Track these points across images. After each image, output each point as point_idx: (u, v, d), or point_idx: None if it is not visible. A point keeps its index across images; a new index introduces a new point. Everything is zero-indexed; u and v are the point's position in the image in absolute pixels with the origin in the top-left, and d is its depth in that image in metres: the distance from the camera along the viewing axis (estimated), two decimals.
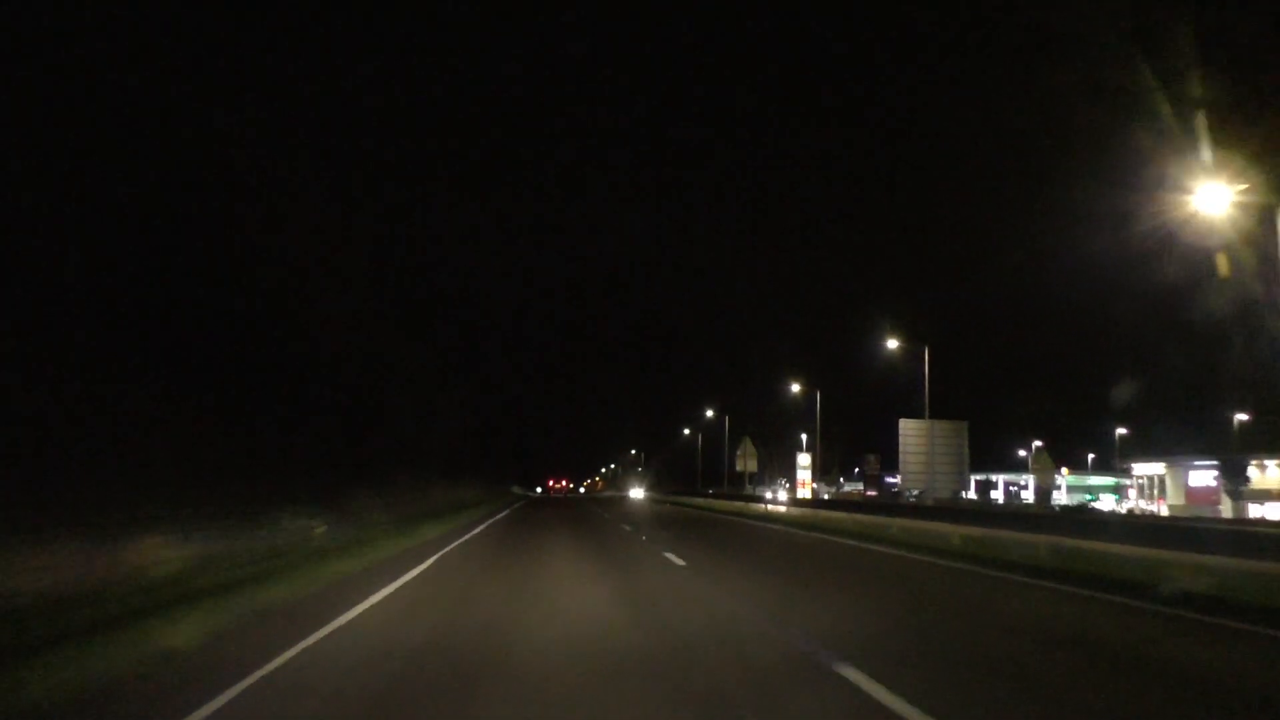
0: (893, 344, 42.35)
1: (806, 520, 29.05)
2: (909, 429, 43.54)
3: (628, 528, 25.97)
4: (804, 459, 63.24)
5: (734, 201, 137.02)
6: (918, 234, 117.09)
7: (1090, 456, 79.16)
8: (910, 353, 42.32)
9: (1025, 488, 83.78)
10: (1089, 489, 79.89)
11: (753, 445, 39.42)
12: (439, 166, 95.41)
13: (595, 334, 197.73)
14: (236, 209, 24.44)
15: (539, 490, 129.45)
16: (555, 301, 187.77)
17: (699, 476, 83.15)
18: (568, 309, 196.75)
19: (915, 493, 50.04)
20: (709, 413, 74.90)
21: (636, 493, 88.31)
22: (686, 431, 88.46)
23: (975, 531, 19.45)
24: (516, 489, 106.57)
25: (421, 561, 14.80)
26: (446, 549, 17.70)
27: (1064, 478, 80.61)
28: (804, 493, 57.98)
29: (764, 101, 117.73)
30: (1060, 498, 78.55)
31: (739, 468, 38.53)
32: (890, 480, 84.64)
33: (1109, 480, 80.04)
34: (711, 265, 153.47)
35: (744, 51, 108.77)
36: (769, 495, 57.21)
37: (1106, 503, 71.73)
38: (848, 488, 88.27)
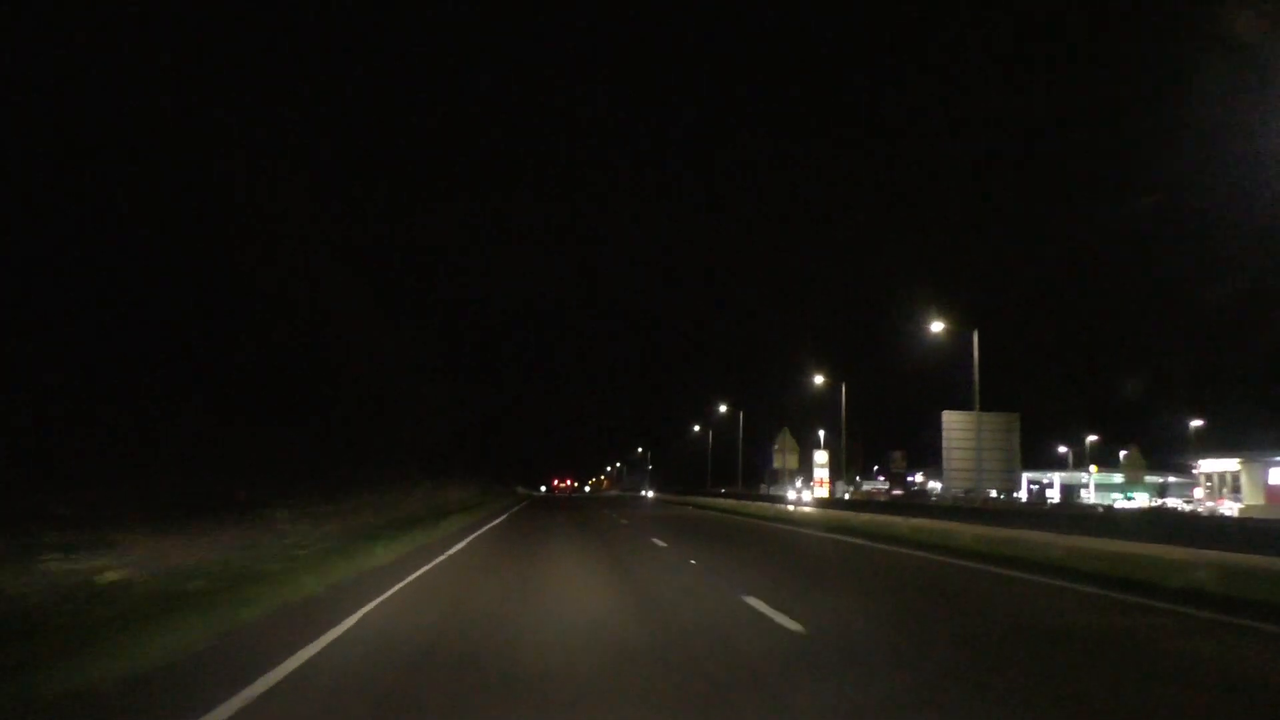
0: (937, 327, 35.80)
1: (880, 529, 21.54)
2: (953, 422, 37.04)
3: (661, 543, 18.55)
4: (821, 456, 56.40)
5: (742, 193, 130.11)
6: (936, 221, 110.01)
7: (1122, 453, 71.85)
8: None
9: (1050, 485, 76.90)
10: (1117, 487, 73.99)
11: (793, 439, 32.11)
12: (444, 165, 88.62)
13: (600, 332, 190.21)
14: (205, 173, 18.91)
15: (543, 490, 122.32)
16: (560, 300, 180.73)
17: (710, 475, 76.18)
18: (572, 307, 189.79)
19: (961, 490, 43.31)
20: (722, 408, 67.85)
21: (648, 492, 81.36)
22: (697, 429, 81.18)
23: (1210, 554, 12.13)
24: (520, 489, 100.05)
25: (307, 644, 7.41)
26: (385, 595, 10.32)
27: (1091, 475, 74.11)
28: (821, 492, 51.64)
29: (777, 84, 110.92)
30: (1089, 497, 71.87)
31: (777, 464, 31.40)
32: (911, 479, 77.72)
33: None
34: (720, 259, 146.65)
35: (757, 30, 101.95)
36: (792, 495, 50.35)
37: (1140, 502, 65.04)
38: (866, 486, 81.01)
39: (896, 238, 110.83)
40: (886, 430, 73.80)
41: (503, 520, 28.80)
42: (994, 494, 49.46)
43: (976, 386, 34.93)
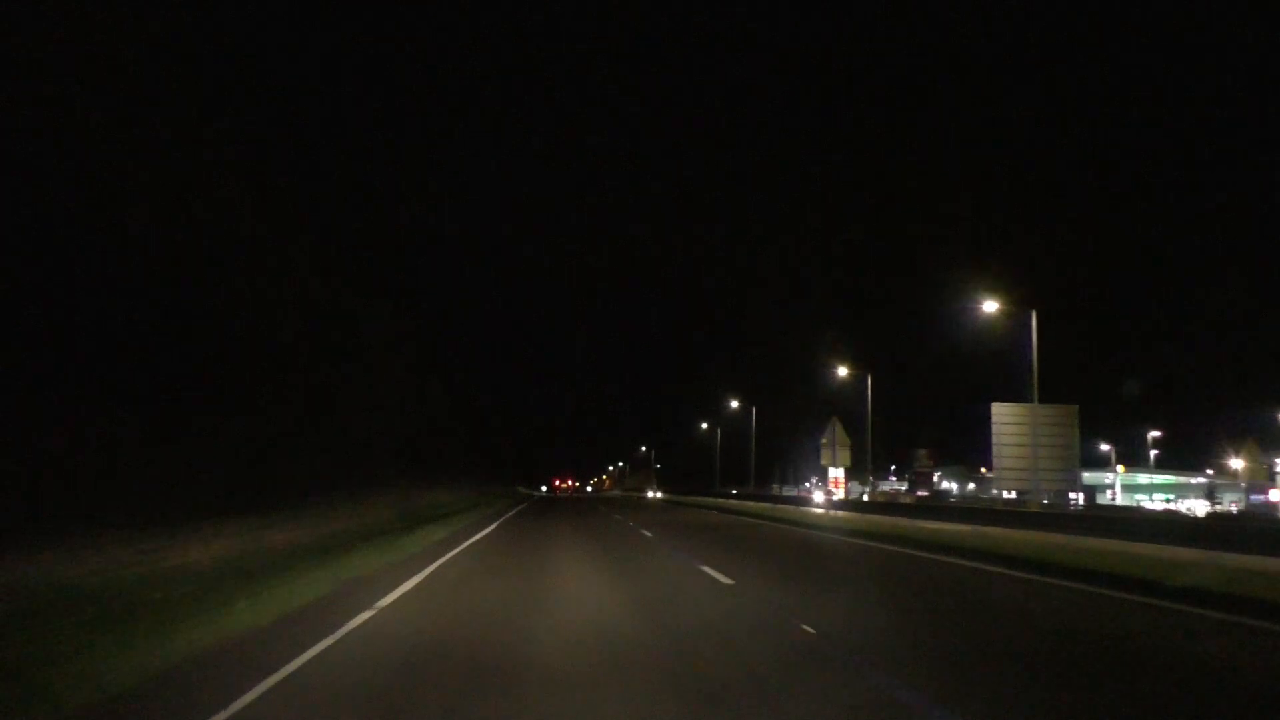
0: (991, 307, 30.43)
1: (1010, 550, 14.81)
2: (1004, 415, 31.63)
3: (723, 578, 11.78)
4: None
5: (751, 182, 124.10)
6: (948, 215, 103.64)
7: (1154, 454, 65.94)
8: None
9: None
10: (1142, 488, 68.80)
11: (844, 431, 25.80)
12: (446, 157, 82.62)
13: (601, 330, 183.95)
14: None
15: (544, 489, 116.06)
16: (564, 299, 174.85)
17: (718, 475, 70.07)
18: (576, 307, 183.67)
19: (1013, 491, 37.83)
20: (733, 404, 61.59)
21: (654, 493, 75.47)
22: (704, 426, 74.83)
23: None
24: (521, 489, 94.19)
25: None
26: None
27: (1118, 475, 68.41)
28: (838, 493, 46.48)
29: (804, 61, 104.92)
30: (1116, 498, 66.35)
31: (824, 461, 25.20)
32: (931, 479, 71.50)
33: (1169, 479, 68.53)
34: (724, 256, 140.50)
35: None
36: (819, 497, 44.62)
37: (1175, 505, 59.44)
38: (883, 486, 74.84)
39: (903, 234, 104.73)
40: (889, 429, 67.83)
41: (493, 530, 22.22)
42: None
43: (1035, 373, 29.34)
